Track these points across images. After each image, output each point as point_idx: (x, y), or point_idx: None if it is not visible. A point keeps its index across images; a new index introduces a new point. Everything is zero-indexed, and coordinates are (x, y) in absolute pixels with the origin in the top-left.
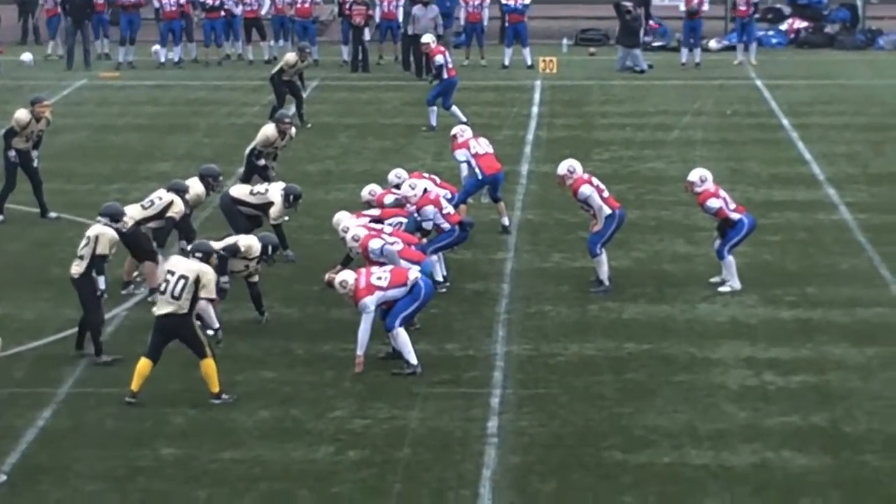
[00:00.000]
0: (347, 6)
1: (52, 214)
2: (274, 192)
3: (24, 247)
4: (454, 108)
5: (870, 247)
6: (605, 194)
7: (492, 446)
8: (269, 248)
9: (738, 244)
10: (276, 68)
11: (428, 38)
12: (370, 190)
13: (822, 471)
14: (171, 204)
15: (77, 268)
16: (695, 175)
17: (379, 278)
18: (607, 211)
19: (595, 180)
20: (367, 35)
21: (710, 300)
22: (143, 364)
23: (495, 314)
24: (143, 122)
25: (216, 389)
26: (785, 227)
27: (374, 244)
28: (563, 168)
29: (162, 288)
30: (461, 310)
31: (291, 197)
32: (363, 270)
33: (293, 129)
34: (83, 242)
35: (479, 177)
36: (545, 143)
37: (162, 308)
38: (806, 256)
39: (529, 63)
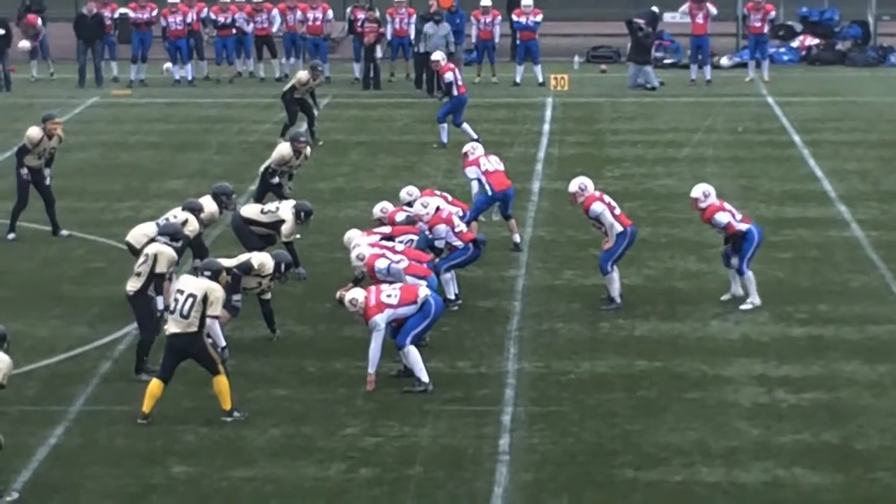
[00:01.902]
0: (359, 24)
1: (64, 232)
2: (285, 209)
3: (36, 265)
4: (465, 126)
5: (882, 264)
6: (617, 212)
7: (503, 464)
8: (283, 266)
9: (753, 256)
10: (288, 86)
11: (438, 56)
12: (382, 207)
13: (833, 488)
14: (185, 222)
15: (133, 284)
16: (698, 191)
17: (389, 296)
18: (619, 228)
19: (606, 197)
20: (378, 52)
21: (721, 317)
22: (155, 385)
23: (507, 331)
24: (155, 139)
25: (228, 406)
26: (797, 244)
27: (381, 263)
28: (574, 185)
29: (172, 307)
30: (473, 327)
31: (302, 214)
32: (373, 288)
33: (308, 149)
34: (141, 260)
35: (490, 193)
36: (557, 160)
37: (172, 327)
38: (817, 273)
39: (541, 80)
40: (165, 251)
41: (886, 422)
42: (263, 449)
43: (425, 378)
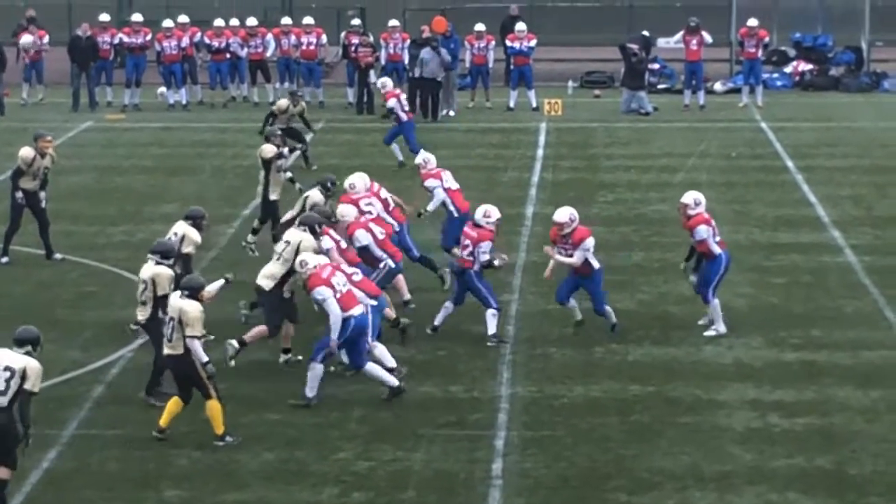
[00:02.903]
0: (353, 48)
1: (58, 256)
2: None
3: (30, 288)
4: (395, 147)
5: (875, 289)
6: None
7: (496, 488)
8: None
9: (719, 284)
10: (267, 114)
11: (383, 83)
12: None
13: None
14: (183, 238)
15: (142, 314)
16: (689, 197)
17: (339, 283)
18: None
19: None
20: (372, 77)
21: (714, 342)
22: (174, 403)
23: (500, 356)
24: (149, 164)
25: (221, 431)
26: (790, 269)
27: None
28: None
29: (163, 330)
30: (466, 351)
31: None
32: (331, 269)
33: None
34: (140, 287)
35: (456, 216)
36: (550, 185)
37: (165, 349)
38: (811, 299)
39: (535, 105)
40: (162, 273)
41: (879, 447)
42: (256, 473)
43: (311, 394)
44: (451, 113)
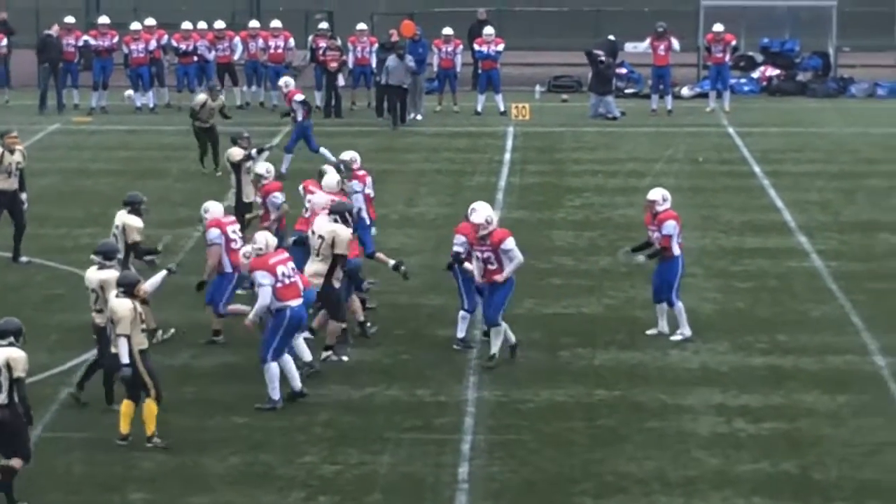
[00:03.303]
0: (321, 52)
1: (24, 259)
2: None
3: None
4: (323, 150)
5: (841, 294)
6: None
7: (463, 492)
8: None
9: (679, 286)
10: (190, 111)
11: (286, 82)
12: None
13: None
14: (124, 229)
15: (101, 318)
16: (657, 194)
17: (284, 274)
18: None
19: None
20: (340, 81)
21: (681, 347)
22: (126, 405)
23: (467, 360)
24: (116, 166)
25: (150, 431)
26: (756, 274)
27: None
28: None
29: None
30: (433, 356)
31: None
32: (277, 255)
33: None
34: (92, 297)
35: (368, 223)
36: (517, 189)
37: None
38: (777, 304)
39: (502, 109)
40: (109, 278)
41: (845, 451)
42: (222, 476)
43: (276, 396)
44: (419, 117)
